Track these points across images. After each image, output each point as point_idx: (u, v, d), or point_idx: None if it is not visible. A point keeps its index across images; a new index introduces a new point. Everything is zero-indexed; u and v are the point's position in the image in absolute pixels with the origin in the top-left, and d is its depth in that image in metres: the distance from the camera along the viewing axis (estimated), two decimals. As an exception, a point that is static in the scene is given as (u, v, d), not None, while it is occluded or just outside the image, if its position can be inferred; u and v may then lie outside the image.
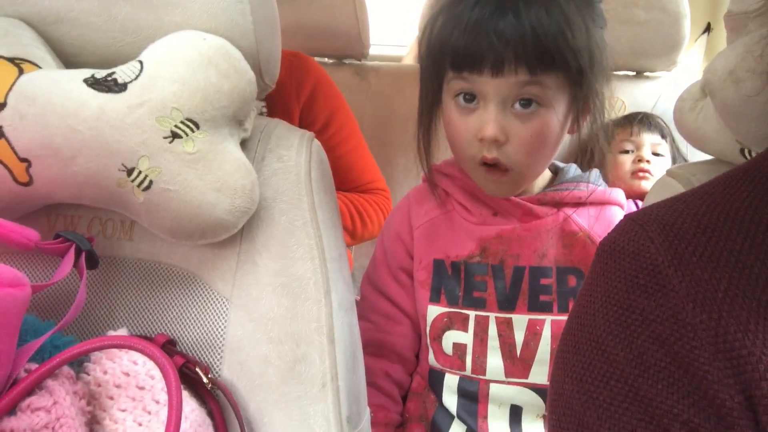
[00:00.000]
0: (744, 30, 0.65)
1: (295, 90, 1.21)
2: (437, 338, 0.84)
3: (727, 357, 0.36)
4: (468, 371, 0.82)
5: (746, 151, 0.69)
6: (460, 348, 0.82)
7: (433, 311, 0.84)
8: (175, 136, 0.58)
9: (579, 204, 0.83)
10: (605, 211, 0.84)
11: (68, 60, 0.66)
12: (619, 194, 0.86)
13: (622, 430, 0.39)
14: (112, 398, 0.56)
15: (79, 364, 0.58)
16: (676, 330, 0.38)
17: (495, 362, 0.81)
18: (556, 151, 0.77)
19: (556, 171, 0.89)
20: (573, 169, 0.87)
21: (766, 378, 0.35)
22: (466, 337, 0.82)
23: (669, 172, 0.80)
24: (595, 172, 0.87)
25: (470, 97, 0.72)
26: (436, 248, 0.85)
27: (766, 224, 0.40)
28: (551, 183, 0.86)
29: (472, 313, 0.81)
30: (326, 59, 1.78)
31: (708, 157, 0.80)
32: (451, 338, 0.83)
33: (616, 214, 0.84)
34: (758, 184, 0.42)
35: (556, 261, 0.81)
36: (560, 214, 0.82)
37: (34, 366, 0.51)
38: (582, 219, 0.82)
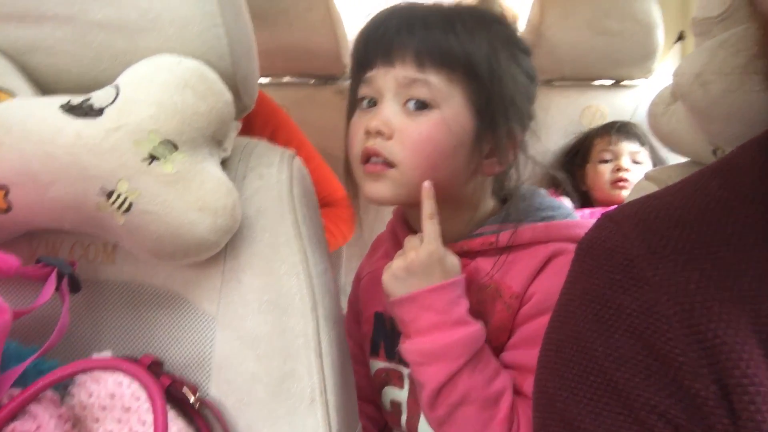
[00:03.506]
0: (709, 35, 0.67)
1: None
2: (378, 393, 0.81)
3: (701, 347, 0.37)
4: (404, 430, 0.79)
5: (719, 152, 0.70)
6: (395, 406, 0.79)
7: (374, 365, 0.81)
8: (153, 158, 0.58)
9: (498, 249, 0.72)
10: (523, 255, 0.71)
11: (45, 88, 0.66)
12: (562, 228, 0.73)
13: (602, 424, 0.40)
14: (97, 420, 0.55)
15: (64, 387, 0.57)
16: (652, 323, 0.39)
17: (425, 426, 0.73)
18: (452, 169, 0.70)
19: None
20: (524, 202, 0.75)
21: (738, 366, 0.36)
22: (402, 395, 0.78)
23: (647, 176, 0.81)
24: (535, 204, 0.75)
25: (373, 103, 0.71)
26: (377, 300, 0.79)
27: (736, 216, 0.40)
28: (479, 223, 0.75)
29: (405, 371, 0.77)
30: (307, 79, 1.80)
31: (684, 159, 0.81)
32: (389, 395, 0.80)
33: (538, 257, 0.70)
34: (729, 179, 0.43)
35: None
36: (472, 264, 0.73)
37: (17, 392, 0.51)
38: (493, 267, 0.72)
